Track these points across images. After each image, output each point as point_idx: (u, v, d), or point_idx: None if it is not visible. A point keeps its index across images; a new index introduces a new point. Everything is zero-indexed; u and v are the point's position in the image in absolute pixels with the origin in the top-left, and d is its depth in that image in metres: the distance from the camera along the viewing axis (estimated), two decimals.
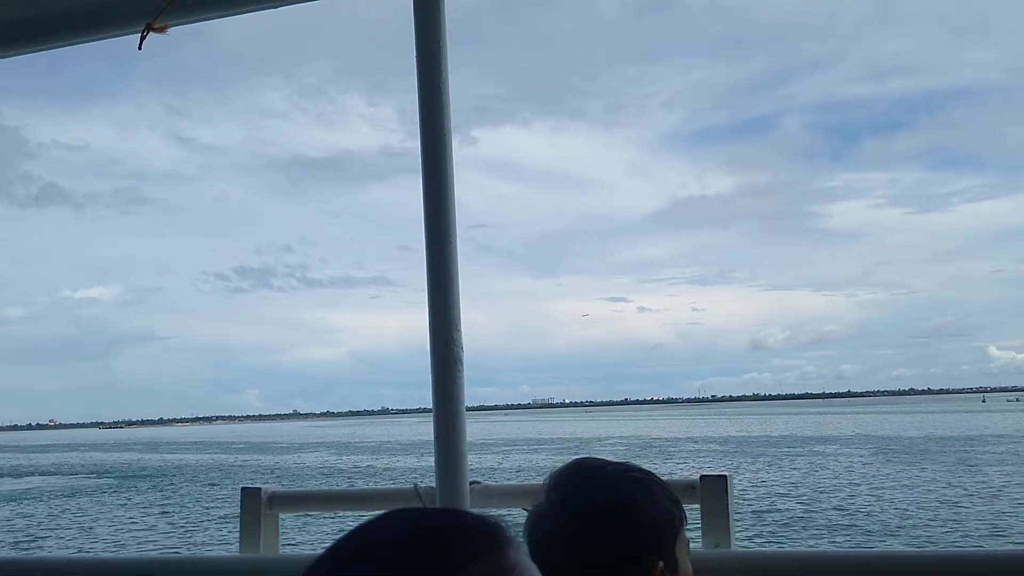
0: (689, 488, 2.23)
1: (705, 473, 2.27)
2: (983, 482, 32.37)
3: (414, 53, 2.26)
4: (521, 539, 1.60)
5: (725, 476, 2.26)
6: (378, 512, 0.83)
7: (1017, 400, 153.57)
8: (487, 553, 0.79)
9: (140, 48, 2.14)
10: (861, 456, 44.76)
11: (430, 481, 2.31)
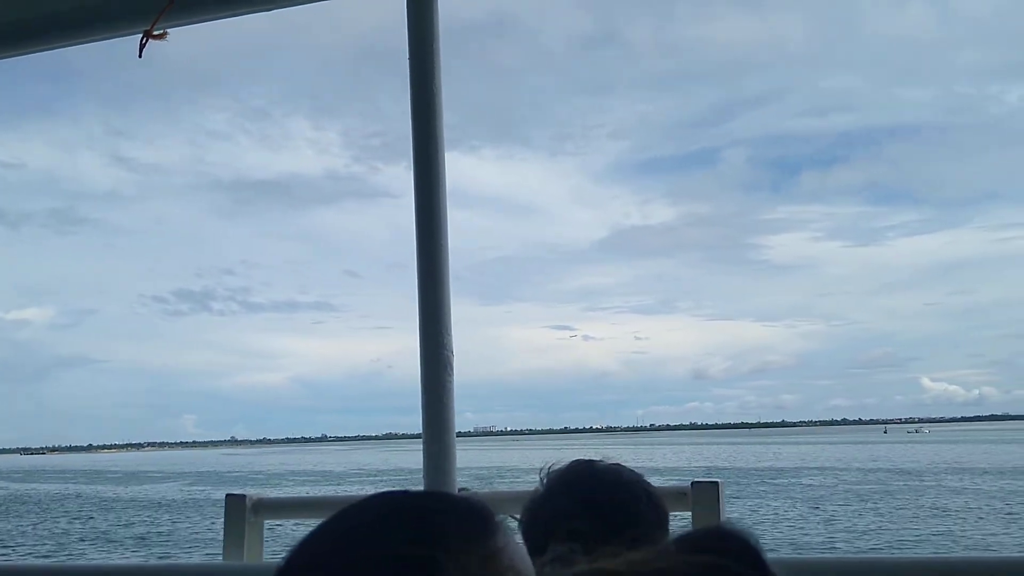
0: (680, 495, 2.21)
1: (697, 480, 2.26)
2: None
3: (407, 69, 2.28)
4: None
5: (717, 483, 2.25)
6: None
7: (916, 431, 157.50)
8: (474, 534, 0.77)
9: (140, 56, 2.13)
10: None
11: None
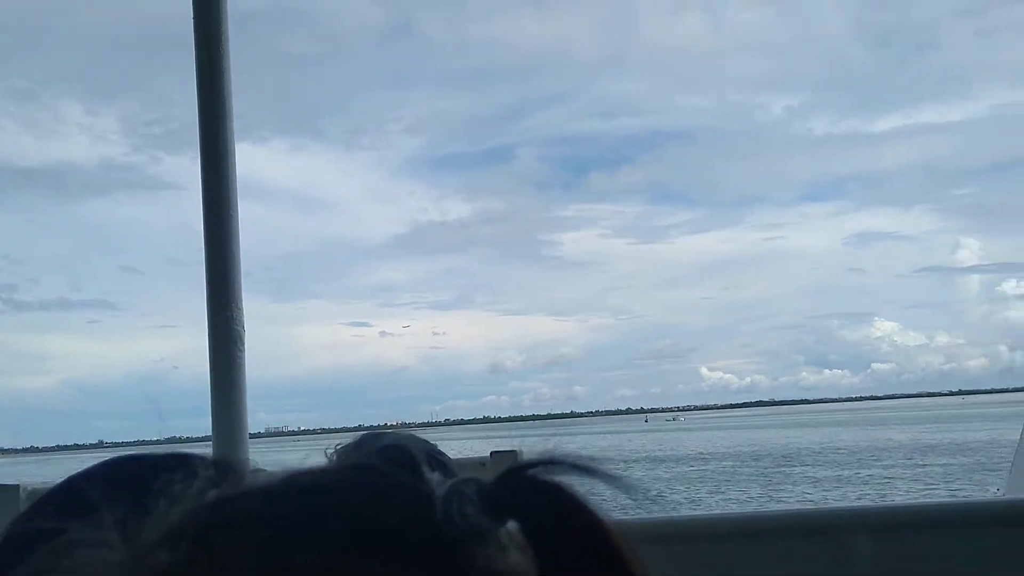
0: (479, 465, 2.23)
1: (496, 449, 2.28)
2: None
3: (193, 58, 2.20)
4: None
5: (515, 451, 2.23)
6: None
7: (673, 419, 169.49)
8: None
9: None
10: None
11: None
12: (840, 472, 38.72)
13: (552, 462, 0.56)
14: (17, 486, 2.28)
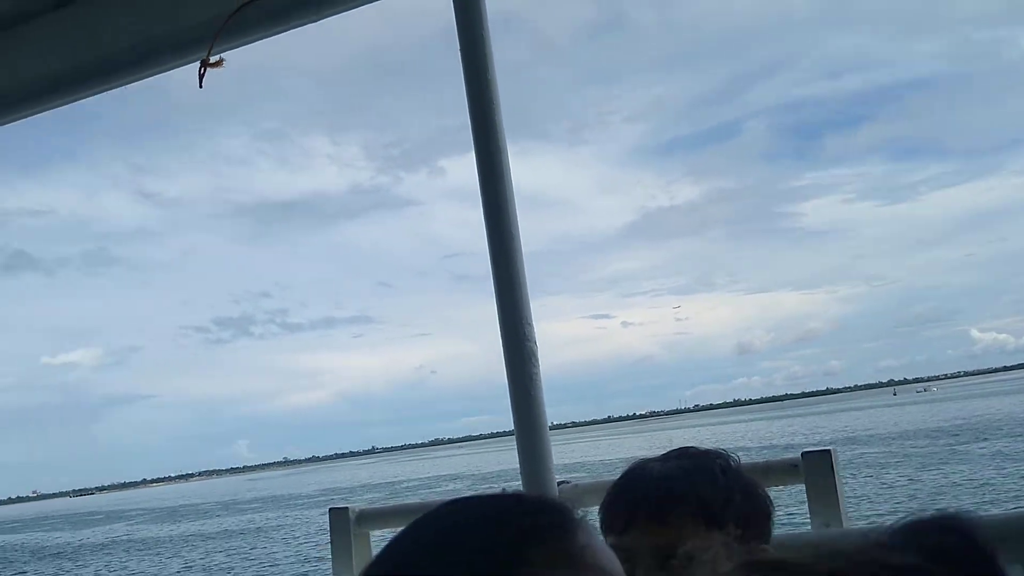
0: (791, 467, 2.16)
1: (807, 450, 2.18)
2: None
3: (461, 69, 2.26)
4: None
5: (829, 451, 2.16)
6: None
7: (925, 390, 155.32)
8: (553, 535, 0.75)
9: (201, 87, 2.13)
10: None
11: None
12: None
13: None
14: (347, 508, 2.45)
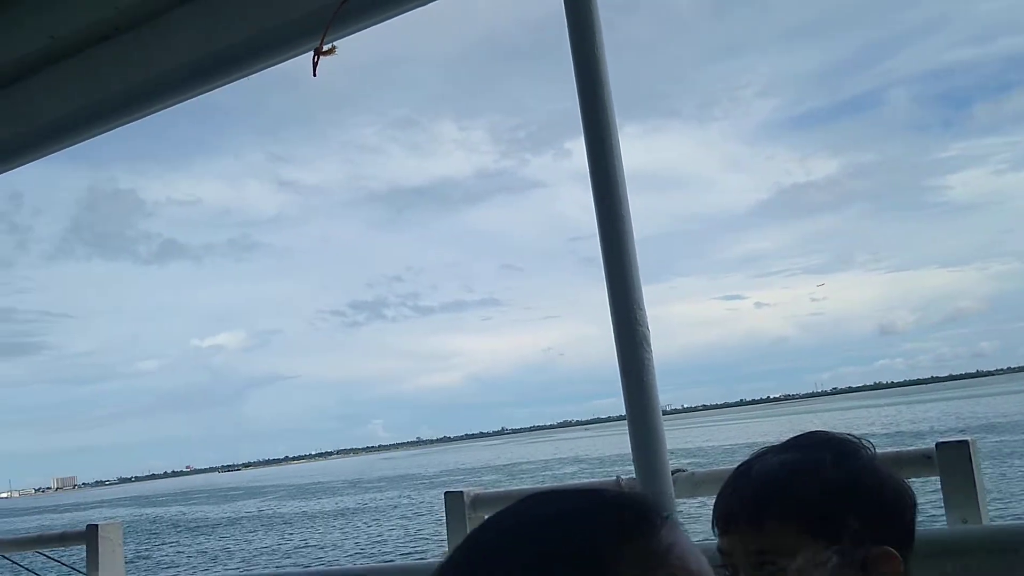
0: (924, 458, 2.05)
1: (942, 440, 2.05)
2: None
3: (570, 53, 2.22)
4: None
5: (967, 442, 2.03)
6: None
7: None
8: (638, 532, 0.73)
9: (315, 75, 2.18)
10: None
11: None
12: None
13: None
14: (462, 492, 2.49)
